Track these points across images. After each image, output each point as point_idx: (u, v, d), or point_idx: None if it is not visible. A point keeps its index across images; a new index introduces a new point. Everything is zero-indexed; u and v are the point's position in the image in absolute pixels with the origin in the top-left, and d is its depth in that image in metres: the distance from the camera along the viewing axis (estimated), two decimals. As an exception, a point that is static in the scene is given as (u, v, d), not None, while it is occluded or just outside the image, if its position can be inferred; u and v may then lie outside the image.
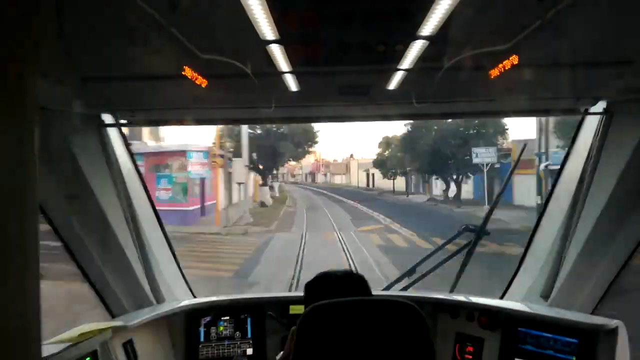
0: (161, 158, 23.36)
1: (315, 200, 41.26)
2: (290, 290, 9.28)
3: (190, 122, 3.12)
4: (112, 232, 2.78)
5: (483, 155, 26.72)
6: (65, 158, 2.49)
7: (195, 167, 23.48)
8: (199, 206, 24.39)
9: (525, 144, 5.04)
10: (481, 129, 28.94)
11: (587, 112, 2.62)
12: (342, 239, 17.75)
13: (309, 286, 1.91)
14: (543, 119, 19.50)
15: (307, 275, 1.96)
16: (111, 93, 2.48)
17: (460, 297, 3.00)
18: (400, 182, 42.07)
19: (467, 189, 32.55)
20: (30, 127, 0.73)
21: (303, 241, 17.48)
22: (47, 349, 1.92)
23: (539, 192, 19.53)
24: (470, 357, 2.72)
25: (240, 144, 27.75)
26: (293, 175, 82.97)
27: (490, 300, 2.83)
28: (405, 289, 3.35)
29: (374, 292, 1.87)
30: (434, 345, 1.59)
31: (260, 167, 35.04)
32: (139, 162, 3.20)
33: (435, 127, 30.66)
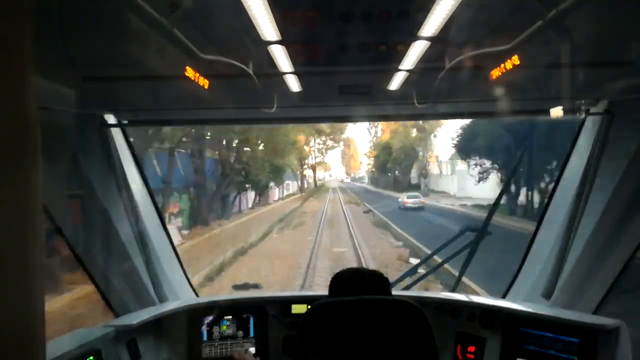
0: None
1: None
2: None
3: (192, 123, 3.14)
4: (115, 231, 2.79)
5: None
6: (68, 158, 2.50)
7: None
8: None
9: (525, 147, 5.06)
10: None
11: (587, 113, 2.61)
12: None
13: (335, 280, 1.91)
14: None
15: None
16: (113, 93, 2.48)
17: (462, 297, 3.00)
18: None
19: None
20: (31, 127, 0.73)
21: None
22: (50, 349, 1.93)
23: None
24: (472, 356, 2.72)
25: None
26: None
27: (491, 300, 2.82)
28: (406, 288, 3.36)
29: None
30: (436, 344, 1.59)
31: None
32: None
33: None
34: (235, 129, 21.16)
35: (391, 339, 1.53)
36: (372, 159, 64.06)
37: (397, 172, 53.39)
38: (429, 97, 2.52)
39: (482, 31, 1.87)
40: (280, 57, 2.04)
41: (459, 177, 38.98)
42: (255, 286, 3.98)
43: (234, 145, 24.75)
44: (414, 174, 50.93)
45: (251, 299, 3.16)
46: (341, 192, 58.99)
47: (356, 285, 1.83)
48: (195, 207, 22.70)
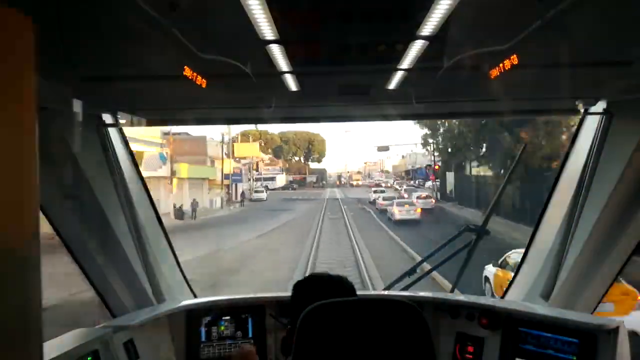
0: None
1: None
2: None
3: (190, 122, 3.13)
4: (113, 232, 2.78)
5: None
6: (66, 158, 2.49)
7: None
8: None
9: (525, 144, 5.08)
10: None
11: (587, 112, 2.61)
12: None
13: (298, 286, 1.88)
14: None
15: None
16: (111, 93, 2.47)
17: (461, 297, 3.00)
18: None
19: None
20: (31, 127, 0.73)
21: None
22: (47, 349, 1.92)
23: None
24: (471, 357, 2.72)
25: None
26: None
27: (490, 300, 2.82)
28: (405, 288, 3.35)
29: (374, 292, 1.87)
30: (435, 345, 1.58)
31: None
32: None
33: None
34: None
35: (388, 339, 1.52)
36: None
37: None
38: (428, 96, 2.52)
39: (481, 31, 1.87)
40: (279, 56, 2.03)
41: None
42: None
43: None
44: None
45: (249, 300, 3.15)
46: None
47: (320, 291, 1.78)
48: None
